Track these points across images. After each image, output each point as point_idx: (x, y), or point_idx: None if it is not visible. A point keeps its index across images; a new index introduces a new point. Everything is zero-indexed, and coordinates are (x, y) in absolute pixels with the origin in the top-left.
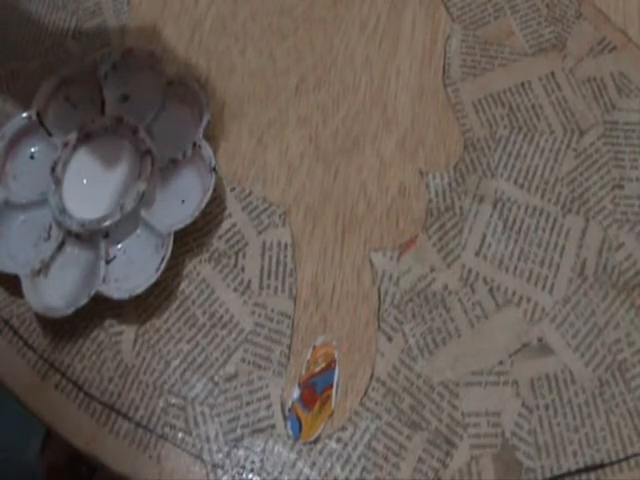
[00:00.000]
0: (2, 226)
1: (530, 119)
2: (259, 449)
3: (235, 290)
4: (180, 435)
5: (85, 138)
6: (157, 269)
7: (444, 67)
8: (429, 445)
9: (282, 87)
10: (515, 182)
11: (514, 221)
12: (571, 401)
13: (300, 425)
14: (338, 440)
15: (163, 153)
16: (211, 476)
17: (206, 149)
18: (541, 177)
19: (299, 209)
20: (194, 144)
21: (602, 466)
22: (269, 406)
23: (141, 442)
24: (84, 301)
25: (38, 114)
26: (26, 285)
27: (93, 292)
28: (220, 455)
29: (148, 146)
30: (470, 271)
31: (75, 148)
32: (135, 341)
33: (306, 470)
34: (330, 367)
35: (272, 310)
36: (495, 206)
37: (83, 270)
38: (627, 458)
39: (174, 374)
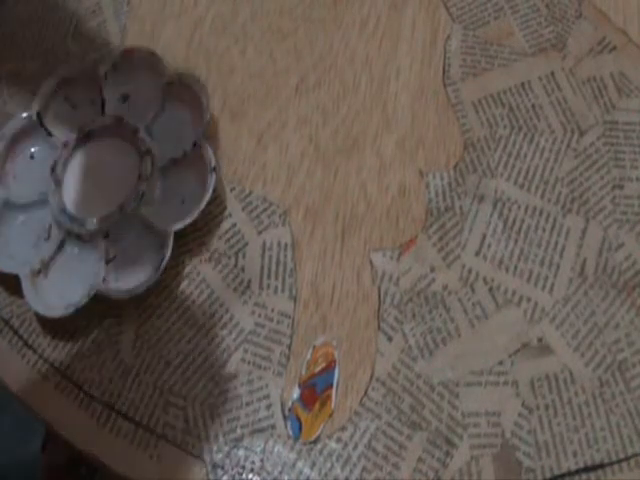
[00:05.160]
0: (2, 226)
1: (530, 119)
2: (259, 449)
3: (235, 290)
4: (180, 435)
5: (85, 138)
6: (157, 269)
7: (444, 67)
8: (429, 445)
9: (282, 87)
10: (515, 182)
11: (514, 221)
12: (571, 401)
13: (300, 425)
14: (338, 440)
15: (163, 153)
16: (211, 476)
17: (206, 149)
18: (541, 177)
19: (299, 209)
20: (194, 144)
21: (602, 466)
22: (269, 406)
23: (141, 442)
24: (84, 301)
25: (38, 114)
26: (26, 285)
27: (93, 292)
28: (220, 455)
29: (148, 146)
30: (470, 271)
31: (75, 148)
32: (135, 341)
33: (306, 470)
34: (330, 367)
35: (272, 310)
36: (495, 206)
37: (83, 270)
38: (627, 458)
39: (174, 374)
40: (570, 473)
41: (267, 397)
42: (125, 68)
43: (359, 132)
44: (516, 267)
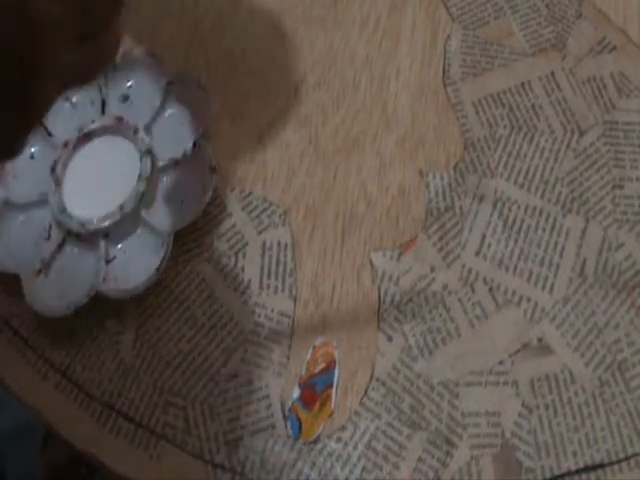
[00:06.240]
0: (2, 226)
1: (530, 119)
2: (259, 449)
3: (235, 290)
4: (180, 435)
5: (85, 138)
6: (157, 269)
7: (444, 67)
8: (429, 445)
9: (282, 87)
10: (515, 182)
11: (514, 221)
12: (571, 401)
13: (300, 425)
14: (338, 440)
15: (163, 153)
16: (211, 476)
17: (206, 149)
18: (541, 177)
19: (299, 209)
20: (194, 144)
21: (602, 466)
22: (269, 406)
23: (141, 442)
24: (84, 301)
25: None
26: (26, 285)
27: (93, 292)
28: (220, 455)
29: (148, 146)
30: (470, 271)
31: (75, 148)
32: (135, 341)
33: (306, 470)
34: (330, 367)
35: (272, 310)
36: (495, 206)
37: (83, 270)
38: (627, 458)
39: (174, 374)
40: (570, 473)
41: (267, 397)
42: (125, 68)
43: (359, 132)
44: (516, 267)
